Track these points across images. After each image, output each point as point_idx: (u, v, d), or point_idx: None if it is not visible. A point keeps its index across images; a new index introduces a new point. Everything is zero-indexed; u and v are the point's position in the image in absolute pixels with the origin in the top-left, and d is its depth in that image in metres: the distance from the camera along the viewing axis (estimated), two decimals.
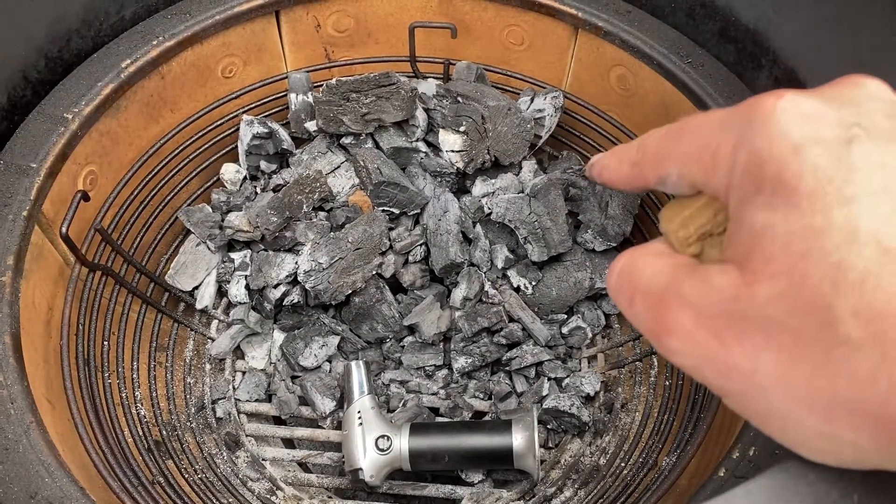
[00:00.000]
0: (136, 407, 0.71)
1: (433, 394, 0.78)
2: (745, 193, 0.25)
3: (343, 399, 0.75)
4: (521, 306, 0.77)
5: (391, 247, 0.77)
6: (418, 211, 0.79)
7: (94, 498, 0.50)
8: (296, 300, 0.77)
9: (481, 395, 0.78)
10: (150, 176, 0.77)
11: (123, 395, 0.69)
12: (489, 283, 0.78)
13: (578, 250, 0.77)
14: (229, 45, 0.80)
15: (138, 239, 0.76)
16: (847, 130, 0.23)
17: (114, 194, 0.73)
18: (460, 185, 0.82)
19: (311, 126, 0.82)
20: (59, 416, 0.60)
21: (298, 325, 0.79)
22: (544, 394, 0.76)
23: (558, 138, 0.87)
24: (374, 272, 0.76)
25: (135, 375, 0.72)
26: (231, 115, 0.82)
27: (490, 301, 0.77)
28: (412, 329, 0.78)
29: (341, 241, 0.74)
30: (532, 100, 0.82)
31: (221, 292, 0.81)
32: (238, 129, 0.82)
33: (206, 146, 0.82)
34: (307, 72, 0.84)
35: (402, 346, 0.79)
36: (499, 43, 0.85)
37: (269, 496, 0.71)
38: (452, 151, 0.76)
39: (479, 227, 0.78)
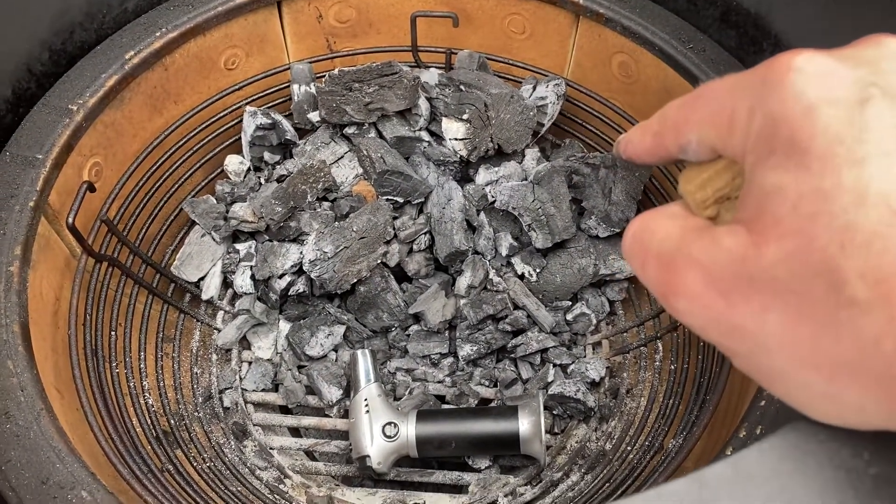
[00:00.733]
0: (144, 396, 0.71)
1: (439, 381, 0.78)
2: (759, 155, 0.24)
3: (350, 387, 0.75)
4: (525, 293, 0.77)
5: (395, 235, 0.78)
6: (422, 200, 0.79)
7: (104, 483, 0.51)
8: (301, 290, 0.77)
9: (487, 383, 0.78)
10: (154, 167, 0.77)
11: (131, 384, 0.70)
12: (493, 270, 0.78)
13: (582, 237, 0.78)
14: (232, 37, 0.80)
15: (144, 230, 0.77)
16: (862, 90, 0.23)
17: (119, 186, 0.74)
18: (464, 173, 0.82)
19: (314, 116, 0.82)
20: (68, 405, 0.60)
21: (304, 315, 0.80)
22: (550, 380, 0.76)
23: (561, 126, 0.87)
24: (379, 261, 0.76)
25: (142, 365, 0.72)
26: (234, 107, 0.83)
27: (495, 289, 0.77)
28: (417, 317, 0.79)
29: (346, 230, 0.74)
30: (534, 88, 0.82)
31: (227, 283, 0.81)
32: (241, 121, 0.82)
33: (210, 137, 0.82)
34: (310, 62, 0.84)
35: (408, 335, 0.79)
36: (500, 31, 0.85)
37: (277, 484, 0.72)
38: (455, 139, 0.77)
39: (482, 215, 0.78)
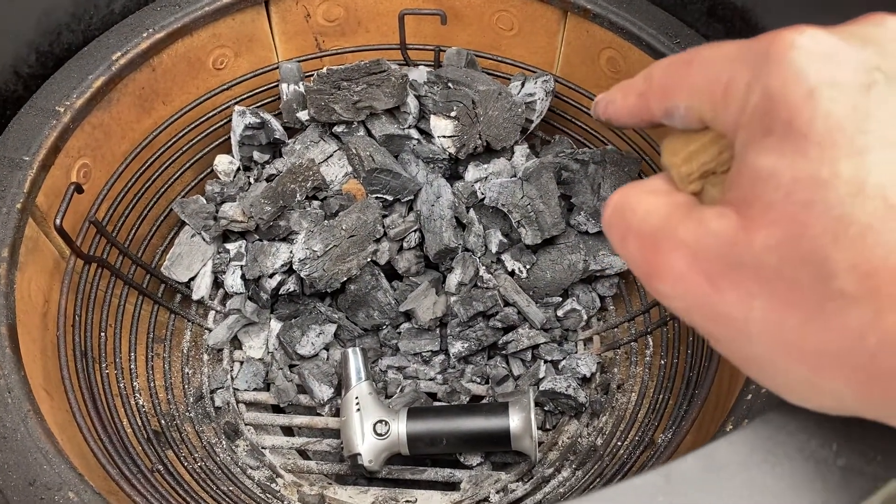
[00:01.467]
0: (135, 397, 0.71)
1: (430, 379, 0.78)
2: (754, 134, 0.24)
3: (341, 386, 0.75)
4: (515, 290, 0.77)
5: (385, 234, 0.78)
6: (412, 197, 0.79)
7: (92, 484, 0.51)
8: (292, 289, 0.77)
9: (478, 380, 0.78)
10: (143, 168, 0.77)
11: (122, 385, 0.70)
12: (484, 267, 0.78)
13: (572, 233, 0.78)
14: (220, 37, 0.80)
15: (133, 231, 0.77)
16: (867, 75, 0.22)
17: (108, 187, 0.74)
18: (453, 170, 0.82)
19: (302, 115, 0.82)
20: (57, 407, 0.60)
21: (295, 314, 0.80)
22: (541, 376, 0.76)
23: (550, 123, 0.87)
24: (369, 259, 0.76)
25: (132, 366, 0.72)
26: (223, 107, 0.83)
27: (485, 286, 0.77)
28: (408, 315, 0.79)
29: (335, 228, 0.74)
30: (523, 84, 0.82)
31: (217, 283, 0.81)
32: (230, 121, 0.82)
33: (199, 138, 0.82)
34: (298, 62, 0.84)
35: (399, 333, 0.79)
36: (489, 29, 0.85)
37: (269, 483, 0.72)
38: (444, 137, 0.77)
39: (472, 213, 0.78)
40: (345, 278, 0.75)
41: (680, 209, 0.26)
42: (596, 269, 0.77)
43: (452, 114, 0.75)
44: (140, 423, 0.68)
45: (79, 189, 0.66)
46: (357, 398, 0.72)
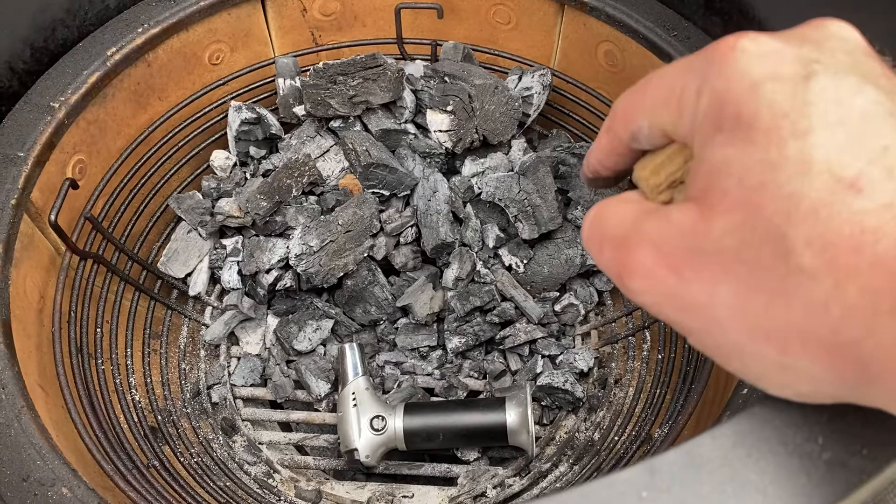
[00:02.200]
0: (131, 393, 0.71)
1: (428, 374, 0.78)
2: (707, 134, 0.25)
3: (338, 381, 0.75)
4: (513, 285, 0.77)
5: (382, 229, 0.77)
6: (408, 192, 0.79)
7: (86, 479, 0.51)
8: (288, 284, 0.77)
9: (476, 375, 0.78)
10: (139, 164, 0.77)
11: (118, 381, 0.70)
12: (481, 262, 0.78)
13: (569, 227, 0.77)
14: (215, 32, 0.80)
15: (129, 227, 0.77)
16: (805, 67, 0.23)
17: (103, 183, 0.73)
18: (450, 165, 0.82)
19: (299, 110, 0.82)
20: (52, 403, 0.60)
21: (292, 310, 0.80)
22: (538, 371, 0.76)
23: (548, 117, 0.87)
24: (366, 254, 0.76)
25: (129, 362, 0.72)
26: (219, 102, 0.83)
27: (482, 280, 0.77)
28: (405, 310, 0.79)
29: (332, 223, 0.74)
30: (520, 78, 0.82)
31: (214, 279, 0.81)
32: (227, 116, 0.82)
33: (196, 133, 0.82)
34: (294, 56, 0.84)
35: (396, 328, 0.79)
36: (486, 22, 0.85)
37: (265, 479, 0.72)
38: (440, 131, 0.76)
39: (469, 207, 0.78)
40: (341, 274, 0.75)
41: (647, 212, 0.27)
42: (593, 263, 0.77)
43: (449, 108, 0.75)
44: (136, 419, 0.68)
45: (74, 185, 0.66)
46: (354, 394, 0.72)
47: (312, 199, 0.80)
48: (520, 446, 0.70)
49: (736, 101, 0.23)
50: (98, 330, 0.70)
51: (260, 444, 0.74)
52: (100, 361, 0.68)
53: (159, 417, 0.71)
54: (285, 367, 0.78)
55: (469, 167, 0.79)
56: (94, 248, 0.70)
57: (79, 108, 0.70)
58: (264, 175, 0.81)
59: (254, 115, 0.80)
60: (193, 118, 0.81)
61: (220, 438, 0.73)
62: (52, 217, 0.63)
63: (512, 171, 0.78)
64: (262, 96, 0.85)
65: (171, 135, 0.80)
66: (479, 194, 0.78)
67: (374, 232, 0.76)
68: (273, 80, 0.84)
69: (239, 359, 0.79)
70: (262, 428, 0.77)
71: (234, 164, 0.83)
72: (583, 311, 0.78)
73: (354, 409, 0.71)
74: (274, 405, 0.79)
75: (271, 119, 0.82)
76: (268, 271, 0.77)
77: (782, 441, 0.23)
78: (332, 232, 0.74)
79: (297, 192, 0.77)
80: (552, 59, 0.85)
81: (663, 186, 0.29)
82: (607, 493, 0.22)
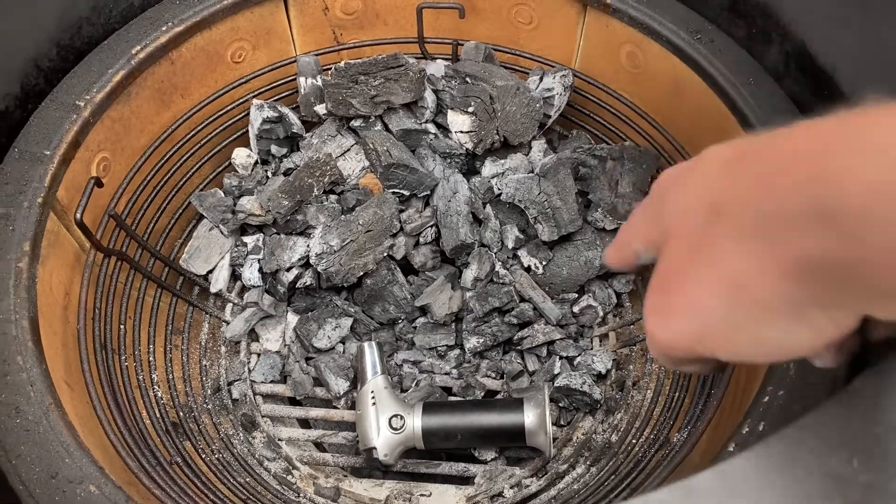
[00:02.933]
0: (154, 389, 0.72)
1: (446, 373, 0.78)
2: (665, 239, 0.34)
3: (357, 379, 0.75)
4: (532, 286, 0.77)
5: (402, 228, 0.78)
6: (428, 192, 0.79)
7: (113, 477, 0.51)
8: (308, 283, 0.78)
9: (493, 375, 0.78)
10: (162, 161, 0.78)
11: (140, 377, 0.70)
12: (500, 263, 0.78)
13: (589, 229, 0.77)
14: (238, 30, 0.80)
15: (152, 224, 0.77)
16: (704, 204, 0.31)
17: (127, 180, 0.74)
18: (470, 165, 0.82)
19: (320, 109, 0.82)
20: (78, 399, 0.61)
21: (312, 307, 0.80)
22: (556, 372, 0.76)
23: (568, 118, 0.86)
24: (386, 254, 0.77)
25: (151, 359, 0.73)
26: (241, 100, 0.83)
27: (501, 281, 0.77)
28: (424, 310, 0.79)
29: (352, 223, 0.75)
30: (541, 79, 0.82)
31: (235, 276, 0.82)
32: (248, 114, 0.83)
33: (218, 131, 0.82)
34: (316, 55, 0.84)
35: (415, 327, 0.80)
36: (507, 22, 0.85)
37: (285, 475, 0.72)
38: (461, 132, 0.77)
39: (489, 208, 0.78)
40: (361, 273, 0.75)
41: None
42: None
43: (470, 109, 0.75)
44: (158, 415, 0.69)
45: (98, 183, 0.67)
46: (373, 392, 0.72)
47: (333, 198, 0.80)
48: (537, 447, 0.70)
49: (674, 227, 0.33)
50: (121, 326, 0.70)
51: (279, 440, 0.75)
52: (123, 358, 0.69)
53: (181, 413, 0.72)
54: (305, 365, 0.78)
55: (489, 168, 0.79)
56: (117, 246, 0.71)
57: (104, 107, 0.71)
58: (285, 174, 0.81)
59: (275, 114, 0.80)
60: (216, 116, 0.82)
61: (241, 434, 0.74)
62: (78, 216, 0.64)
63: (532, 172, 0.79)
64: (283, 94, 0.86)
65: (193, 132, 0.80)
66: (499, 195, 0.78)
67: (394, 232, 0.77)
68: (295, 79, 0.84)
69: (259, 355, 0.80)
70: (281, 424, 0.77)
71: (256, 162, 0.83)
72: (601, 313, 0.78)
73: (373, 408, 0.71)
74: (293, 402, 0.80)
75: (293, 118, 0.82)
76: (288, 269, 0.78)
77: (817, 464, 0.23)
78: (352, 231, 0.74)
79: (319, 192, 0.77)
80: (573, 59, 0.85)
81: None
82: None
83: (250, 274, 0.79)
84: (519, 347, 0.78)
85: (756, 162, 0.28)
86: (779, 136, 0.28)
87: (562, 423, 0.76)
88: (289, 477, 0.72)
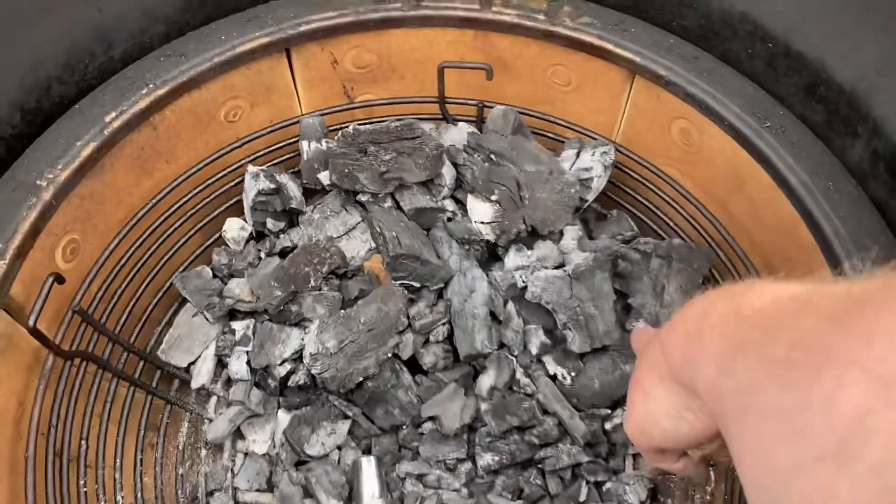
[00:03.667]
0: None
1: (454, 490, 0.69)
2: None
3: (351, 498, 0.66)
4: (557, 398, 0.67)
5: (410, 325, 0.68)
6: (442, 285, 0.69)
7: None
8: (302, 381, 0.68)
9: (509, 495, 0.68)
10: (142, 237, 0.68)
11: (102, 501, 0.61)
12: (521, 369, 0.68)
13: (627, 339, 0.67)
14: (233, 88, 0.70)
15: (128, 310, 0.68)
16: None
17: (99, 263, 0.65)
18: (491, 251, 0.71)
19: (324, 178, 0.72)
20: None
21: (305, 403, 0.71)
22: (582, 500, 0.66)
23: (608, 194, 0.75)
24: (390, 354, 0.67)
25: (117, 475, 0.64)
26: (237, 164, 0.73)
27: (522, 391, 0.67)
28: (433, 417, 0.69)
29: (352, 321, 0.65)
30: (578, 154, 0.71)
31: (221, 363, 0.72)
32: (244, 180, 0.73)
33: (208, 199, 0.73)
34: (321, 115, 0.74)
35: (421, 434, 0.70)
36: (542, 83, 0.74)
37: None
38: (482, 223, 0.66)
39: (511, 306, 0.68)
40: (360, 378, 0.65)
41: None
42: None
43: (493, 197, 0.65)
44: None
45: (59, 279, 0.57)
46: None
47: (334, 282, 0.70)
48: None
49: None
50: (83, 442, 0.61)
51: None
52: (82, 482, 0.60)
53: None
54: (294, 474, 0.69)
55: (513, 259, 0.68)
56: (83, 344, 0.62)
57: (70, 185, 0.61)
58: (281, 254, 0.72)
59: (272, 185, 0.70)
60: (206, 183, 0.72)
61: None
62: (31, 322, 0.54)
63: (562, 266, 0.68)
64: (284, 157, 0.76)
65: (180, 203, 0.71)
66: (524, 288, 0.67)
67: (401, 329, 0.67)
68: (297, 141, 0.74)
69: (246, 454, 0.71)
70: None
71: (250, 236, 0.73)
72: None
73: None
74: None
75: (293, 189, 0.72)
76: (280, 363, 0.68)
77: None
78: (352, 331, 0.64)
79: (316, 283, 0.67)
80: (616, 129, 0.74)
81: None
82: None
83: (238, 367, 0.70)
84: (540, 466, 0.68)
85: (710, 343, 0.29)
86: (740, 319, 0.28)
87: None
88: None
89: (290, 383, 0.69)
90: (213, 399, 0.72)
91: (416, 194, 0.70)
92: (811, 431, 0.20)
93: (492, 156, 0.67)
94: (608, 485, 0.67)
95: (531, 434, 0.66)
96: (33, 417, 0.57)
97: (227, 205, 0.74)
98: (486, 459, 0.67)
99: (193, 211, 0.72)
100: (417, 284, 0.68)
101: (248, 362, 0.70)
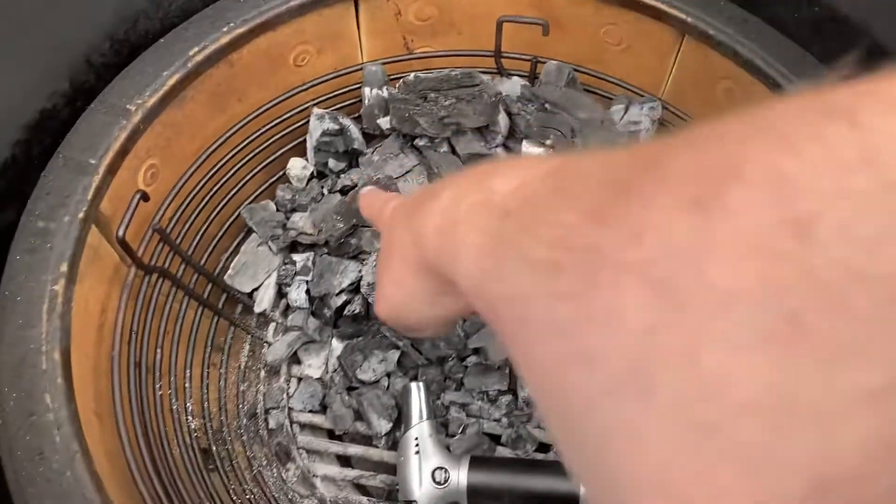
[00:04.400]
0: (187, 419, 0.68)
1: (495, 420, 0.73)
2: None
3: (400, 420, 0.70)
4: None
5: None
6: None
7: None
8: (357, 311, 0.73)
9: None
10: (213, 169, 0.73)
11: (174, 407, 0.66)
12: None
13: None
14: (304, 32, 0.74)
15: (199, 236, 0.73)
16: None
17: (175, 190, 0.69)
18: None
19: (384, 123, 0.76)
20: (107, 433, 0.57)
21: (358, 334, 0.75)
22: None
23: None
24: None
25: (187, 384, 0.69)
26: (301, 107, 0.77)
27: None
28: (477, 349, 0.73)
29: None
30: (626, 108, 0.75)
31: (281, 293, 0.77)
32: (308, 122, 0.77)
33: (274, 139, 0.77)
34: (383, 63, 0.78)
35: (465, 367, 0.74)
36: (594, 41, 0.78)
37: None
38: None
39: None
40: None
41: None
42: None
43: (548, 142, 0.69)
44: (190, 451, 0.65)
45: (145, 197, 0.62)
46: (417, 439, 0.67)
47: None
48: None
49: None
50: (158, 350, 0.66)
51: (314, 476, 0.70)
52: (158, 386, 0.65)
53: (213, 445, 0.68)
54: (346, 397, 0.74)
55: None
56: (160, 261, 0.66)
57: (156, 112, 0.66)
58: (342, 191, 0.76)
59: (336, 126, 0.75)
60: (273, 123, 0.76)
61: (274, 468, 0.70)
62: (120, 233, 0.59)
63: None
64: (346, 103, 0.80)
65: (248, 140, 0.75)
66: None
67: None
68: (359, 87, 0.78)
69: (300, 380, 0.75)
70: (317, 458, 0.73)
71: (312, 175, 0.78)
72: None
73: (416, 457, 0.66)
74: (331, 434, 0.76)
75: (354, 131, 0.76)
76: (337, 294, 0.73)
77: None
78: None
79: None
80: (662, 87, 0.78)
81: None
82: None
83: (297, 295, 0.74)
84: None
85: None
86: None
87: None
88: None
89: (345, 312, 0.73)
90: (272, 325, 0.77)
91: (472, 140, 0.74)
92: (598, 353, 0.16)
93: (546, 105, 0.71)
94: None
95: None
96: (117, 324, 0.62)
97: (291, 145, 0.79)
98: (527, 392, 0.71)
99: (260, 149, 0.76)
100: None
101: (308, 291, 0.74)
